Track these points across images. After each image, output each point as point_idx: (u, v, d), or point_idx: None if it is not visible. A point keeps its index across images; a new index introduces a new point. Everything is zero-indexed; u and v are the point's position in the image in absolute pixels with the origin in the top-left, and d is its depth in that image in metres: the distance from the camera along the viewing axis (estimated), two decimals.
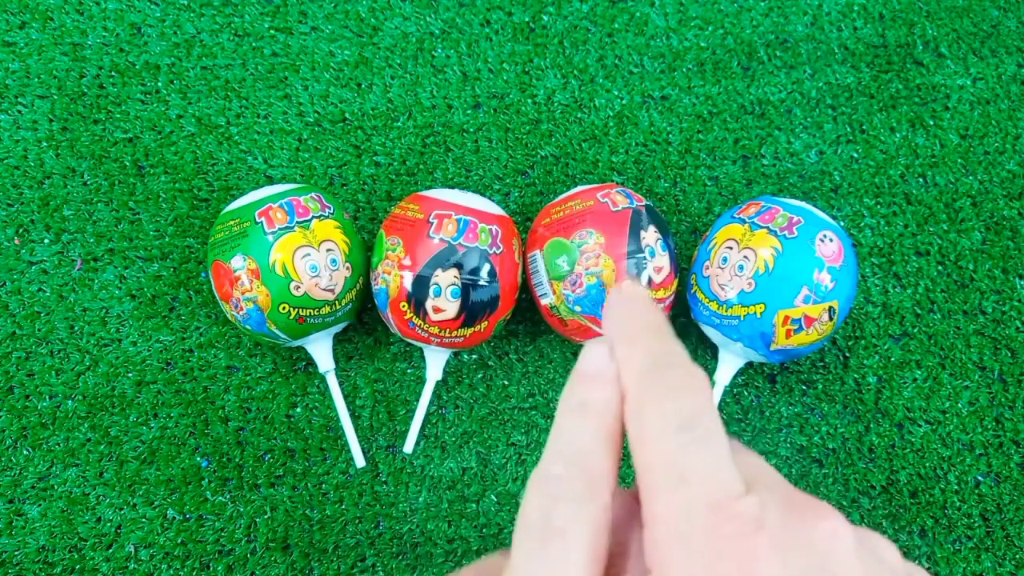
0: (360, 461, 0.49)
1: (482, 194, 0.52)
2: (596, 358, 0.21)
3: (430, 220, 0.44)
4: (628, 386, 0.20)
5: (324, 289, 0.44)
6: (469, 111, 0.55)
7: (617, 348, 0.21)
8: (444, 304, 0.44)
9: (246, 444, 0.49)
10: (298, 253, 0.44)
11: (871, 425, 0.50)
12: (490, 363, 0.51)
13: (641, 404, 0.20)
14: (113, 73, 0.54)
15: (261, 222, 0.44)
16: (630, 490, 0.22)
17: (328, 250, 0.45)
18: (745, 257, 0.44)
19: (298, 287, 0.44)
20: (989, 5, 0.58)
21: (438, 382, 0.50)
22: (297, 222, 0.44)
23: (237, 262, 0.43)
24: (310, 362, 0.50)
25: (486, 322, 0.45)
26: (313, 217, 0.45)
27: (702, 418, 0.19)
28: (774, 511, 0.18)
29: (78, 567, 0.47)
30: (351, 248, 0.46)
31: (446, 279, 0.43)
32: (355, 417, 0.50)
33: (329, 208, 0.46)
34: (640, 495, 0.19)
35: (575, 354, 0.51)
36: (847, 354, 0.51)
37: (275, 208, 0.44)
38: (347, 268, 0.45)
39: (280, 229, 0.44)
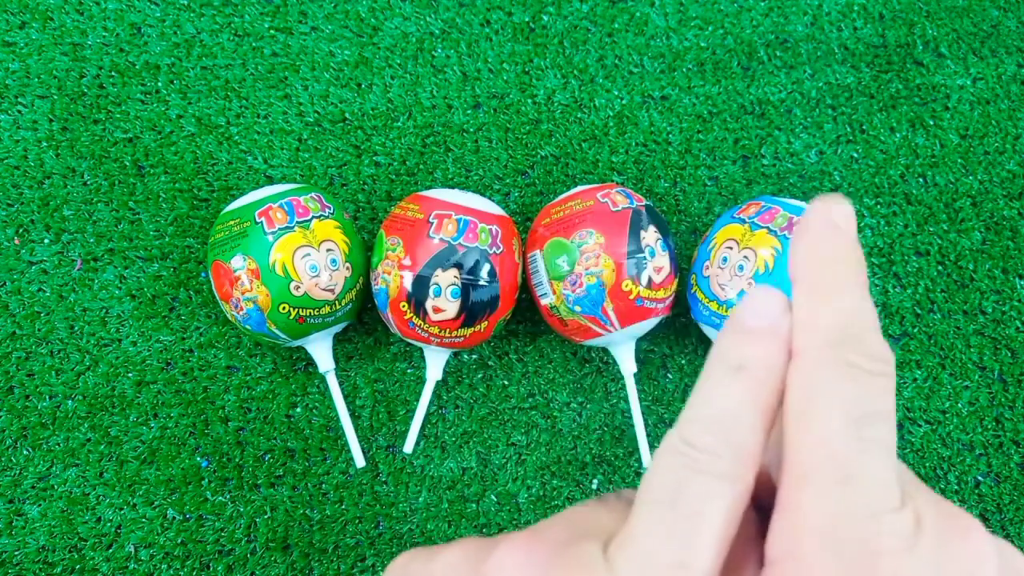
0: (360, 461, 0.49)
1: (482, 194, 0.52)
2: (766, 308, 0.17)
3: (430, 220, 0.44)
4: (804, 351, 0.17)
5: (324, 289, 0.44)
6: (469, 111, 0.55)
7: (801, 293, 0.17)
8: (444, 304, 0.44)
9: (246, 444, 0.49)
10: (298, 253, 0.44)
11: None
12: (490, 363, 0.51)
13: (818, 378, 0.16)
14: (113, 73, 0.54)
15: (261, 222, 0.44)
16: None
17: (328, 250, 0.45)
18: (745, 257, 0.44)
19: (298, 287, 0.44)
20: (989, 5, 0.58)
21: (438, 382, 0.50)
22: (297, 222, 0.44)
23: (237, 262, 0.43)
24: (310, 362, 0.50)
25: (486, 322, 0.45)
26: (313, 217, 0.45)
27: (882, 414, 0.16)
28: (929, 530, 0.16)
29: (78, 567, 0.47)
30: (351, 248, 0.46)
31: (446, 279, 0.43)
32: (355, 417, 0.50)
33: (329, 208, 0.46)
34: (783, 477, 0.16)
35: (575, 354, 0.51)
36: None
37: (275, 208, 0.44)
38: (347, 268, 0.45)
39: (280, 229, 0.44)
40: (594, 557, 0.17)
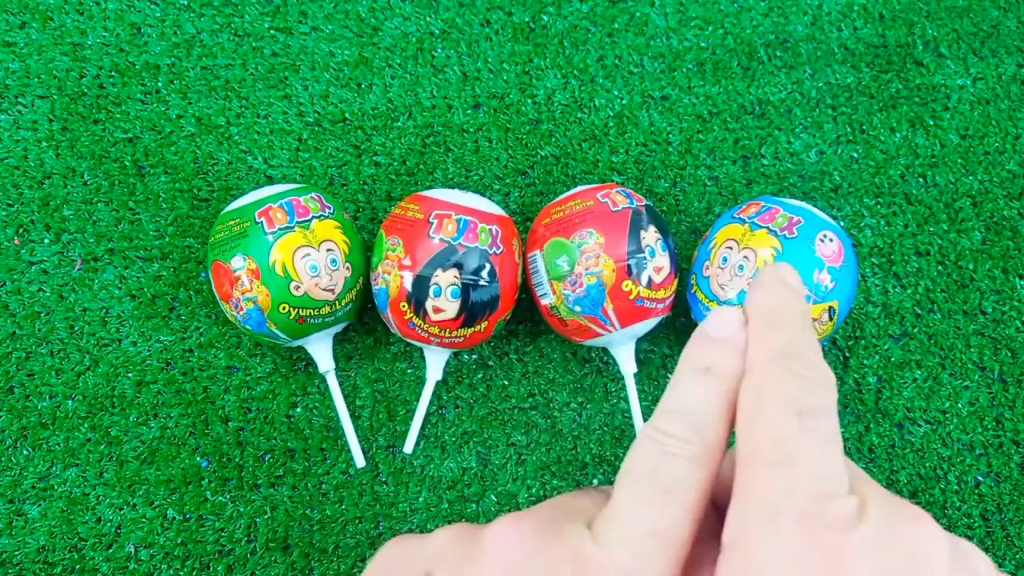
0: (360, 461, 0.49)
1: (482, 194, 0.52)
2: (727, 324, 0.21)
3: (430, 220, 0.44)
4: (755, 363, 0.20)
5: (324, 289, 0.44)
6: (469, 111, 0.55)
7: (755, 323, 0.21)
8: (444, 304, 0.44)
9: (246, 444, 0.49)
10: (298, 253, 0.44)
11: (871, 425, 0.50)
12: (490, 363, 0.51)
13: (765, 382, 0.19)
14: (113, 73, 0.54)
15: (261, 222, 0.44)
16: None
17: (328, 250, 0.45)
18: (745, 257, 0.44)
19: (298, 287, 0.44)
20: (989, 5, 0.58)
21: (438, 382, 0.50)
22: (297, 222, 0.44)
23: (237, 262, 0.43)
24: (310, 362, 0.50)
25: (486, 322, 0.45)
26: (313, 217, 0.45)
27: (824, 414, 0.18)
28: (874, 514, 0.17)
29: (78, 567, 0.47)
30: (351, 248, 0.46)
31: (446, 279, 0.43)
32: (355, 417, 0.50)
33: (329, 208, 0.46)
34: (736, 469, 0.18)
35: (575, 354, 0.51)
36: (847, 354, 0.51)
37: (275, 208, 0.44)
38: (347, 268, 0.45)
39: (280, 229, 0.44)
40: (579, 529, 0.19)
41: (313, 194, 0.46)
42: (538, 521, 0.20)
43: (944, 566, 0.17)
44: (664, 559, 0.18)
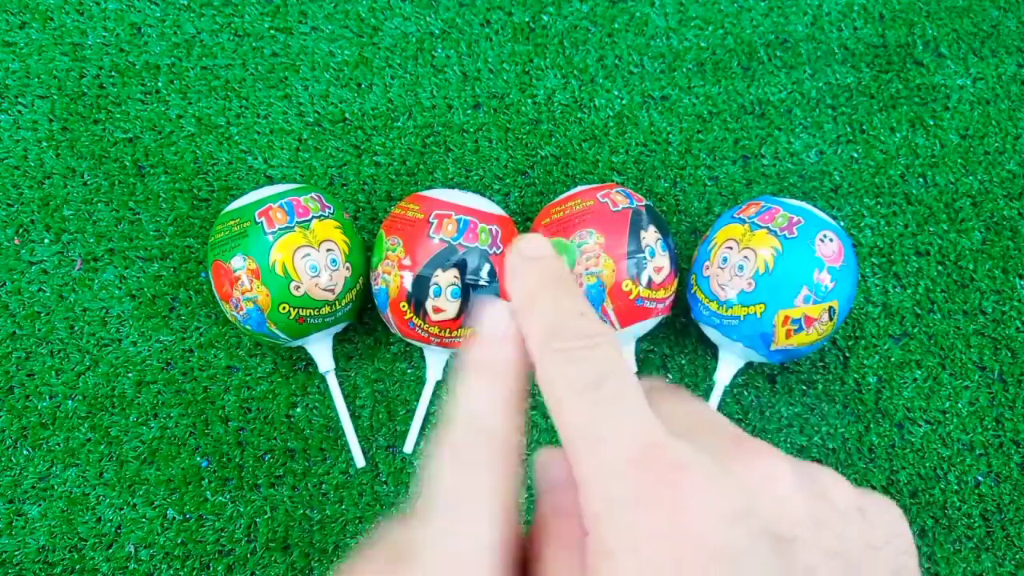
0: (360, 461, 0.49)
1: (482, 194, 0.52)
2: (495, 320, 0.21)
3: (430, 220, 0.44)
4: (533, 353, 0.20)
5: (324, 289, 0.44)
6: (469, 111, 0.55)
7: (519, 314, 0.20)
8: (444, 304, 0.44)
9: (246, 444, 0.49)
10: (298, 253, 0.44)
11: (871, 425, 0.50)
12: None
13: (546, 369, 0.19)
14: (113, 73, 0.54)
15: (261, 222, 0.44)
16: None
17: (328, 250, 0.45)
18: (745, 257, 0.44)
19: (298, 287, 0.44)
20: (989, 5, 0.58)
21: (438, 382, 0.50)
22: (297, 222, 0.44)
23: (237, 262, 0.43)
24: (310, 362, 0.50)
25: None
26: (313, 217, 0.45)
27: (606, 376, 0.18)
28: (703, 454, 0.17)
29: (78, 567, 0.47)
30: (351, 248, 0.46)
31: (446, 279, 0.43)
32: (355, 417, 0.50)
33: (329, 208, 0.46)
34: (568, 460, 0.18)
35: None
36: (847, 354, 0.51)
37: (275, 208, 0.44)
38: (347, 268, 0.45)
39: (280, 229, 0.44)
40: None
41: (313, 194, 0.46)
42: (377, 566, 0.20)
43: (790, 488, 0.17)
44: (484, 570, 0.18)
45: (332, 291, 0.45)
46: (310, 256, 0.44)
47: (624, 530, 0.16)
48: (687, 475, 0.16)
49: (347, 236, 0.46)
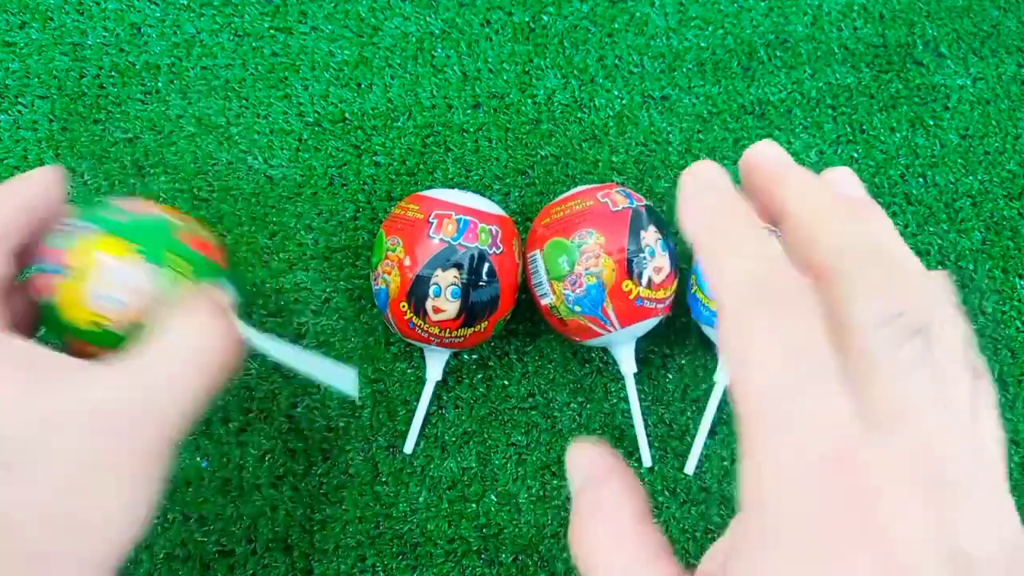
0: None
1: (482, 194, 0.52)
2: (592, 461, 0.20)
3: (430, 220, 0.44)
4: (722, 307, 0.17)
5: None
6: (469, 111, 0.55)
7: (704, 263, 0.18)
8: (444, 304, 0.44)
9: (246, 444, 0.49)
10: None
11: None
12: (490, 363, 0.51)
13: (744, 319, 0.17)
14: (113, 73, 0.54)
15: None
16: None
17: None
18: None
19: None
20: (989, 5, 0.58)
21: (438, 382, 0.50)
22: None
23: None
24: None
25: (486, 322, 0.45)
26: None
27: (814, 346, 0.16)
28: (902, 455, 0.16)
29: None
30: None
31: (446, 279, 0.43)
32: (355, 417, 0.50)
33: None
34: (742, 425, 0.17)
35: (575, 354, 0.51)
36: None
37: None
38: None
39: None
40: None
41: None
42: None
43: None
44: None
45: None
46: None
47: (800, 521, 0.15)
48: (888, 487, 0.15)
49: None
